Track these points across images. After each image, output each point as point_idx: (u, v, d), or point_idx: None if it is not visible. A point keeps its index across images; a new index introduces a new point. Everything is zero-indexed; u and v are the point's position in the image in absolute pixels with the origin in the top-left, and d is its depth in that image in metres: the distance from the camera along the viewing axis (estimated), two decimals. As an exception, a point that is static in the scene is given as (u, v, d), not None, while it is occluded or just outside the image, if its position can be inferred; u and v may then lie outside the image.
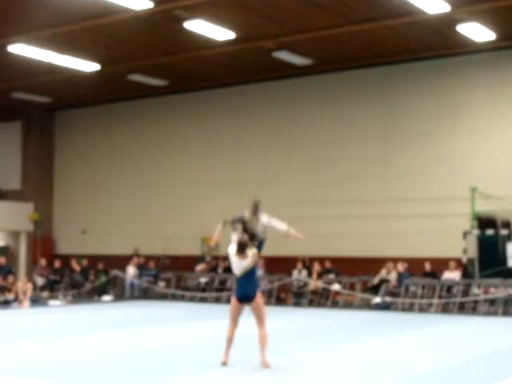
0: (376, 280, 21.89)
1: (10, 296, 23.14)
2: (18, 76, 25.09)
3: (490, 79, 22.71)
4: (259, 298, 10.43)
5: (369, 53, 22.78)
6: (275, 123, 26.37)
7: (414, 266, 21.87)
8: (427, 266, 21.70)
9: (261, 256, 10.68)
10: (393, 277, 21.56)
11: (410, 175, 23.68)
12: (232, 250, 10.24)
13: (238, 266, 10.18)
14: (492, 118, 22.72)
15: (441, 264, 21.56)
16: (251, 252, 10.18)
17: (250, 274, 10.19)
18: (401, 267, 21.50)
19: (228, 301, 21.23)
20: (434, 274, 21.53)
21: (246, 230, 10.48)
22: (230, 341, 10.50)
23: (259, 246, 10.81)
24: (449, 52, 22.54)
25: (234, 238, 10.51)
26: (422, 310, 20.54)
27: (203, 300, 23.52)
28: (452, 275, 21.20)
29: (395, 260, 21.95)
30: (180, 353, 12.47)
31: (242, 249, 10.12)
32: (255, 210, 10.70)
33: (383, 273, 21.91)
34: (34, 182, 31.39)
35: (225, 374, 10.20)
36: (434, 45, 21.85)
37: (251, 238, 10.41)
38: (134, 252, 26.65)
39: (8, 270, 25.45)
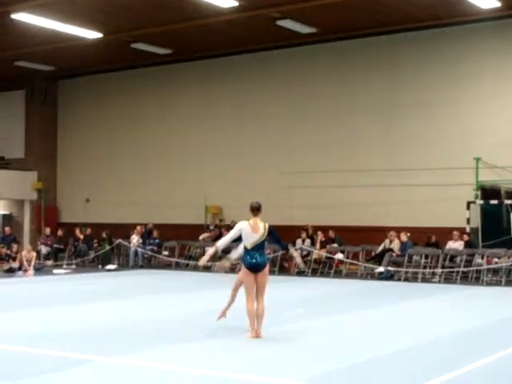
0: (379, 249, 21.90)
1: (15, 264, 23.23)
2: (21, 44, 24.98)
3: (495, 48, 22.56)
4: (267, 269, 10.70)
5: (373, 21, 22.63)
6: (278, 93, 26.26)
7: (418, 236, 21.87)
8: (431, 237, 21.71)
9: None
10: (396, 246, 21.55)
11: (414, 145, 23.62)
12: (244, 224, 10.49)
13: (250, 238, 10.46)
14: (497, 88, 22.60)
15: (444, 234, 21.57)
16: (263, 226, 10.51)
17: (260, 246, 10.52)
18: (404, 237, 21.49)
19: (231, 270, 21.38)
20: (438, 244, 21.56)
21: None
22: (254, 315, 10.56)
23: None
24: (453, 20, 22.39)
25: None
26: (425, 279, 20.60)
27: (207, 269, 23.57)
28: (455, 245, 21.20)
29: (398, 230, 21.93)
30: (183, 321, 12.52)
31: (257, 210, 10.54)
32: (257, 212, 10.61)
33: (386, 242, 21.92)
34: (38, 150, 31.38)
35: (228, 341, 10.27)
36: (439, 13, 21.69)
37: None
38: (147, 223, 26.62)
39: (12, 239, 25.59)
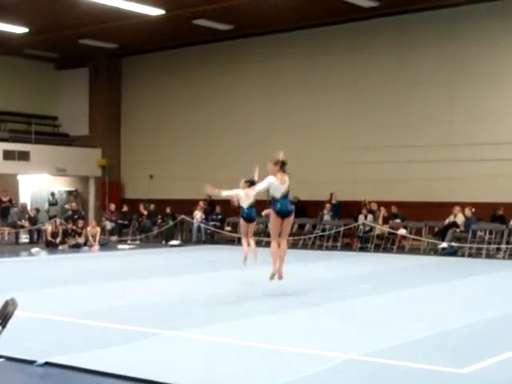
0: (444, 224, 21.58)
1: (81, 240, 23.70)
2: (85, 23, 25.26)
3: None
4: (293, 216, 12.62)
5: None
6: (339, 68, 26.10)
7: (482, 211, 21.55)
8: (497, 209, 21.33)
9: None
10: (460, 221, 21.29)
11: (479, 119, 23.26)
12: (273, 179, 12.26)
13: (279, 188, 12.26)
14: None
15: (510, 209, 21.23)
16: (287, 178, 12.38)
17: (287, 195, 12.38)
18: (468, 212, 21.20)
19: (294, 245, 21.48)
20: (503, 219, 21.20)
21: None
22: (277, 255, 12.57)
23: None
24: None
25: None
26: (490, 255, 20.36)
27: (269, 244, 23.62)
28: (521, 220, 20.88)
29: (463, 205, 21.64)
30: (243, 296, 12.62)
31: (284, 165, 12.47)
32: (282, 166, 12.51)
33: (451, 218, 21.65)
34: (102, 127, 31.80)
35: (288, 315, 10.34)
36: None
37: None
38: (207, 197, 26.82)
39: (81, 214, 26.09)
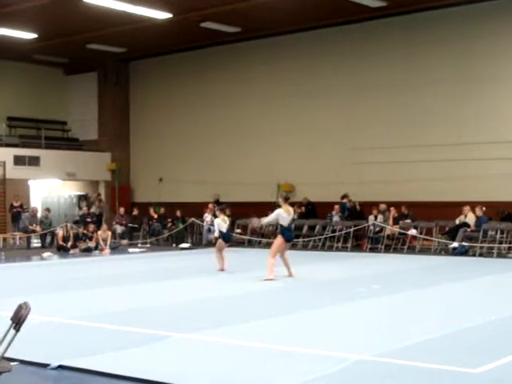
0: (455, 223, 21.52)
1: (91, 244, 23.76)
2: (93, 27, 25.35)
3: None
4: None
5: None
6: (346, 69, 26.12)
7: (493, 211, 21.51)
8: (504, 210, 21.29)
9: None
10: (471, 221, 21.22)
11: (488, 118, 23.21)
12: (281, 211, 15.07)
13: (286, 219, 15.06)
14: None
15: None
16: (292, 209, 15.55)
17: (291, 225, 15.56)
18: (479, 211, 21.12)
19: (304, 247, 21.50)
20: (512, 217, 21.14)
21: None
22: (273, 266, 14.87)
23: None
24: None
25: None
26: (501, 254, 20.30)
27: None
28: (532, 219, 20.82)
29: (473, 204, 21.57)
30: (258, 298, 12.65)
31: (288, 199, 15.45)
32: (287, 201, 15.36)
33: (461, 217, 21.59)
34: (111, 131, 31.89)
35: (303, 317, 10.35)
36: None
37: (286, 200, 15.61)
38: (214, 199, 26.89)
39: (97, 217, 26.19)
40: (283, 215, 15.04)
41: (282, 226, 15.18)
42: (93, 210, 28.69)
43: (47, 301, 12.19)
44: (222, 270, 17.03)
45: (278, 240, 15.09)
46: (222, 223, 17.11)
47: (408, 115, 24.70)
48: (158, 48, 29.45)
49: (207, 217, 25.64)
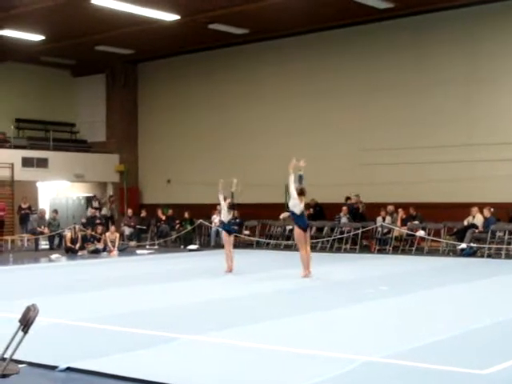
0: (463, 224, 21.45)
1: (100, 245, 23.79)
2: (101, 29, 25.39)
3: None
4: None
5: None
6: (356, 70, 26.09)
7: (501, 212, 21.46)
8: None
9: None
10: (479, 222, 21.17)
11: (496, 119, 23.17)
12: (295, 195, 15.38)
13: (299, 206, 15.40)
14: None
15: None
16: (304, 199, 15.75)
17: (304, 213, 15.74)
18: (487, 212, 21.07)
19: (312, 248, 21.42)
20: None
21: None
22: (305, 259, 15.42)
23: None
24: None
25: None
26: (509, 255, 20.24)
27: (288, 248, 23.66)
28: (540, 220, 20.75)
29: (481, 205, 21.52)
30: (266, 299, 12.64)
31: (302, 192, 15.50)
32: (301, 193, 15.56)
33: (469, 218, 21.52)
34: (119, 133, 31.94)
35: (311, 319, 10.34)
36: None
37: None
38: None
39: (101, 220, 26.13)
40: (297, 201, 15.38)
41: (294, 214, 15.54)
42: (104, 211, 28.71)
43: (55, 303, 12.20)
44: (230, 271, 16.96)
45: (296, 232, 15.76)
46: (224, 209, 17.61)
47: (418, 116, 24.67)
48: (166, 50, 29.48)
49: (215, 218, 25.63)
